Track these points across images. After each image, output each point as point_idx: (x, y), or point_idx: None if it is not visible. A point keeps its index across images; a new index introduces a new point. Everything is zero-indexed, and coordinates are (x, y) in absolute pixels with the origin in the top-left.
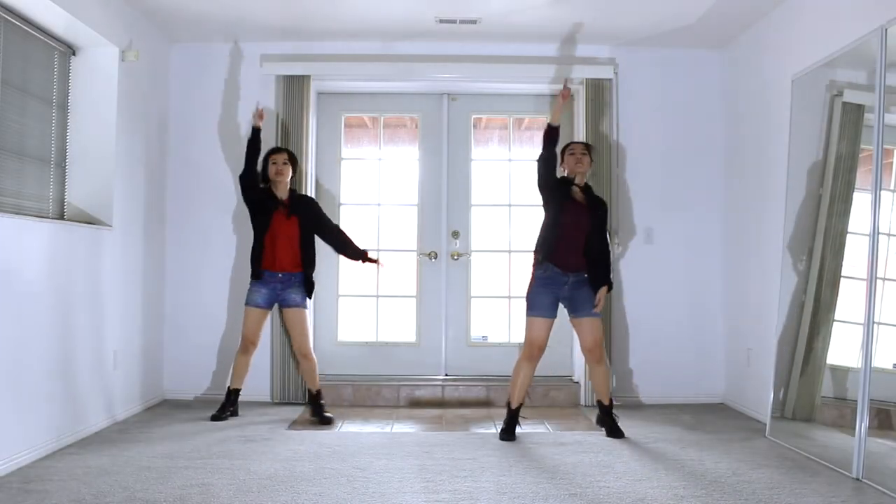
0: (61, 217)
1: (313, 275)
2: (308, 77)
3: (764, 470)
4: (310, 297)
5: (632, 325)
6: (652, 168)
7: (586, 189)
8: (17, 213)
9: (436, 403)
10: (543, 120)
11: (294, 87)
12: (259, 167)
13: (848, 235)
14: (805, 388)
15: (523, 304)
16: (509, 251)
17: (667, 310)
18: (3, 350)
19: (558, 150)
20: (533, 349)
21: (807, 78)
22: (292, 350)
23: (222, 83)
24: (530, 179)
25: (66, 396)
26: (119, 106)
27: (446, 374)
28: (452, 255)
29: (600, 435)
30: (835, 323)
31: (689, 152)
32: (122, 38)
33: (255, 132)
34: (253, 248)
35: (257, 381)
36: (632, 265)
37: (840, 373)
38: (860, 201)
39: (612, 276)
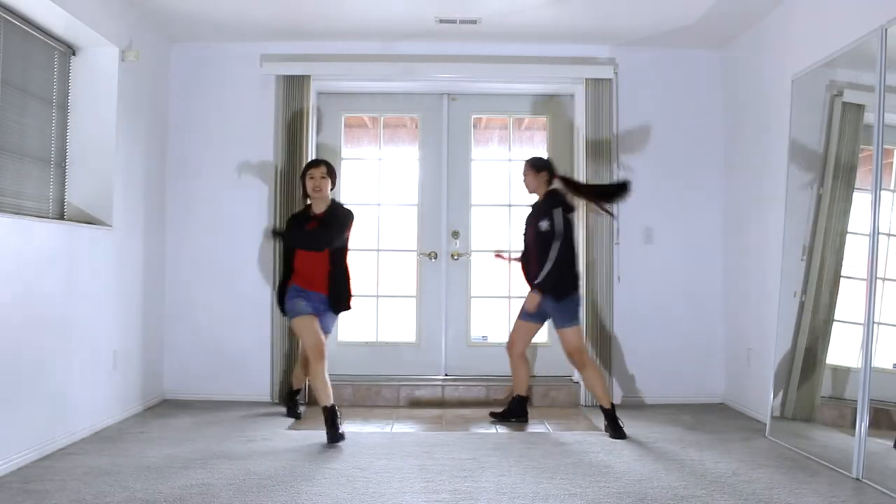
0: (61, 217)
1: (344, 293)
2: (308, 77)
3: (764, 470)
4: (336, 313)
5: (632, 325)
6: (652, 168)
7: (537, 203)
8: (17, 213)
9: (436, 403)
10: (544, 120)
11: (294, 87)
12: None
13: (848, 235)
14: (805, 388)
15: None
16: (509, 251)
17: (667, 310)
18: (2, 350)
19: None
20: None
21: (807, 78)
22: (299, 351)
23: (222, 83)
24: None
25: (65, 396)
26: (119, 106)
27: (446, 374)
28: (452, 255)
29: (600, 435)
30: (835, 323)
31: (689, 152)
32: (122, 38)
33: (276, 234)
34: (283, 272)
35: (257, 381)
36: (632, 265)
37: (840, 373)
38: (860, 201)
39: (549, 278)
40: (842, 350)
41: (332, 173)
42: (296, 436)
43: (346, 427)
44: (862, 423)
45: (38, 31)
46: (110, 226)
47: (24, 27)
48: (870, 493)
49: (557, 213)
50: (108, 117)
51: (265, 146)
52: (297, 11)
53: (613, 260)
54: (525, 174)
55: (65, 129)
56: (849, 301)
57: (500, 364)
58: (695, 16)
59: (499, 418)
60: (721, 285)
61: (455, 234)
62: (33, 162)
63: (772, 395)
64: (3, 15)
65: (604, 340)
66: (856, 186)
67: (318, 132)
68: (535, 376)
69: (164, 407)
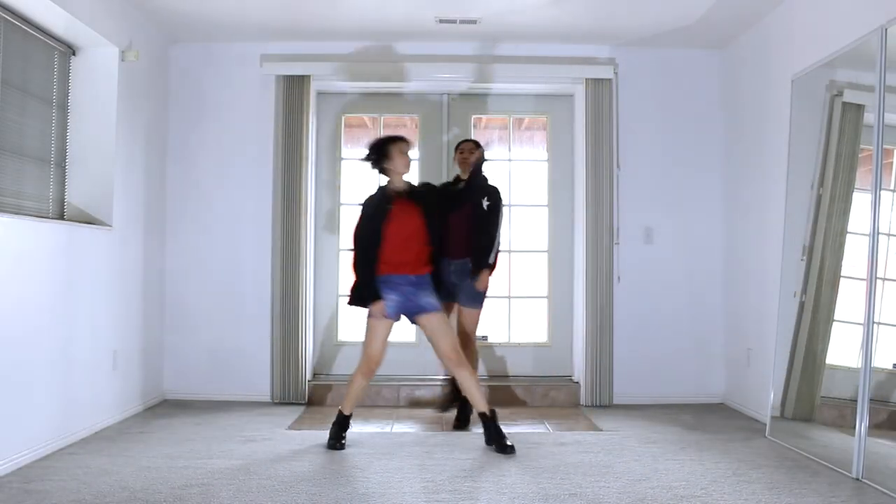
0: (61, 217)
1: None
2: (308, 77)
3: (764, 470)
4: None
5: (632, 325)
6: (652, 168)
7: (474, 181)
8: (17, 213)
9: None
10: (544, 120)
11: (294, 87)
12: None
13: (848, 235)
14: (805, 388)
15: (523, 304)
16: (509, 251)
17: (667, 310)
18: (2, 350)
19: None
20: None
21: (807, 78)
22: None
23: (222, 83)
24: (530, 179)
25: (66, 396)
26: (119, 106)
27: (446, 374)
28: None
29: (600, 435)
30: (835, 323)
31: (689, 152)
32: (122, 38)
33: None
34: (357, 258)
35: (257, 382)
36: (632, 265)
37: (840, 373)
38: (860, 201)
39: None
40: (842, 350)
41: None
42: (296, 436)
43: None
44: (862, 423)
45: (38, 31)
46: (110, 226)
47: (24, 27)
48: (870, 493)
49: (498, 192)
50: (108, 117)
51: (265, 146)
52: (297, 11)
53: (613, 260)
54: (473, 153)
55: (65, 129)
56: (849, 301)
57: (501, 364)
58: (695, 16)
59: (442, 408)
60: (721, 285)
61: None
62: (33, 162)
63: (772, 395)
64: (3, 15)
65: (604, 340)
66: (856, 186)
67: (318, 132)
68: (535, 376)
69: (164, 407)
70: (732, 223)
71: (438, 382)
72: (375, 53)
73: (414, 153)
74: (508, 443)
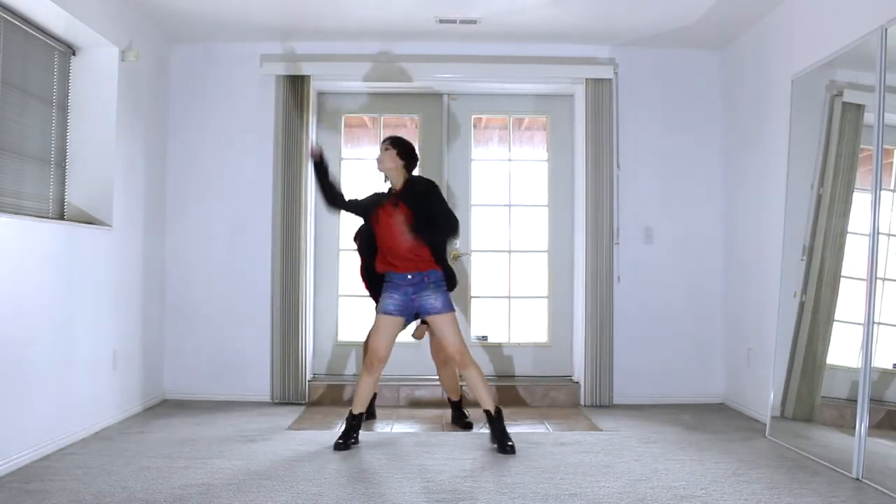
0: (61, 217)
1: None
2: (308, 77)
3: (764, 470)
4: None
5: (632, 325)
6: (652, 168)
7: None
8: (17, 213)
9: (436, 403)
10: (544, 120)
11: (294, 87)
12: (334, 190)
13: (848, 235)
14: (805, 388)
15: (523, 304)
16: (509, 251)
17: (667, 310)
18: (3, 350)
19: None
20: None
21: (807, 78)
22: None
23: (222, 83)
24: (530, 179)
25: (66, 396)
26: (119, 106)
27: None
28: (452, 255)
29: (600, 435)
30: (835, 323)
31: (688, 152)
32: (122, 38)
33: (316, 165)
34: (364, 259)
35: (257, 381)
36: (632, 265)
37: (840, 373)
38: (860, 201)
39: None
40: (842, 350)
41: (398, 146)
42: (296, 436)
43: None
44: (862, 423)
45: (38, 31)
46: (110, 226)
47: (24, 27)
48: (870, 493)
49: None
50: (108, 117)
51: (265, 146)
52: (297, 11)
53: (613, 260)
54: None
55: (65, 129)
56: (849, 301)
57: (501, 364)
58: (695, 16)
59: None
60: (721, 285)
61: None
62: (33, 162)
63: (772, 395)
64: (3, 15)
65: (604, 340)
66: (856, 186)
67: (318, 132)
68: (535, 376)
69: (164, 407)
70: (732, 223)
71: (438, 383)
72: (375, 53)
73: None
74: (510, 443)
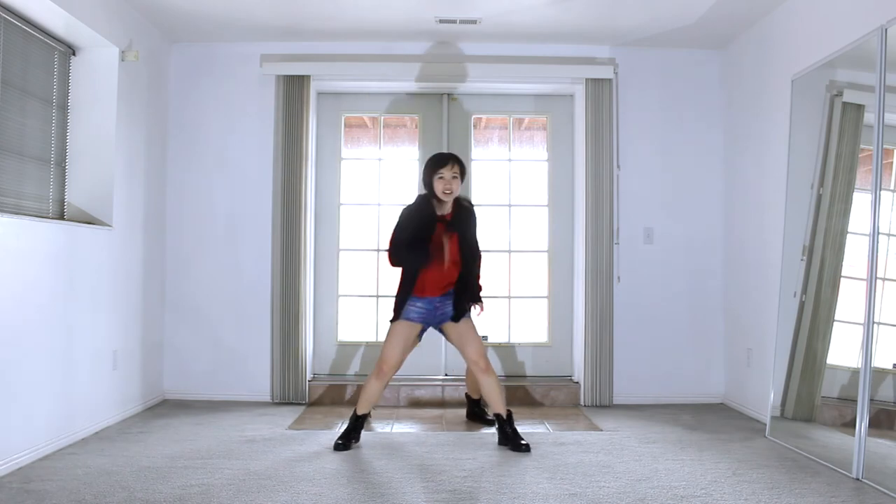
0: (61, 217)
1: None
2: (308, 77)
3: (764, 470)
4: (477, 302)
5: (632, 325)
6: (652, 168)
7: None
8: (17, 213)
9: (436, 403)
10: (544, 120)
11: (294, 87)
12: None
13: (848, 235)
14: (805, 388)
15: (523, 304)
16: (509, 251)
17: (667, 310)
18: (3, 350)
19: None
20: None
21: (807, 78)
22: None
23: (222, 83)
24: (530, 179)
25: (66, 396)
26: (119, 106)
27: (446, 374)
28: None
29: (600, 435)
30: (835, 323)
31: (689, 152)
32: (122, 38)
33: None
34: (402, 281)
35: (257, 381)
36: (632, 265)
37: (840, 373)
38: (860, 201)
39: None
40: (842, 350)
41: (462, 172)
42: (296, 436)
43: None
44: (862, 423)
45: (38, 31)
46: (110, 226)
47: (24, 27)
48: (870, 493)
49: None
50: (108, 117)
51: (265, 146)
52: (297, 11)
53: (613, 260)
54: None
55: (65, 129)
56: (849, 301)
57: (501, 364)
58: (695, 16)
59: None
60: (721, 285)
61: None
62: (33, 162)
63: (772, 395)
64: (3, 15)
65: (604, 340)
66: (856, 186)
67: (318, 132)
68: (535, 376)
69: (164, 407)
70: (732, 223)
71: (438, 383)
72: (375, 53)
73: (414, 153)
74: (523, 441)
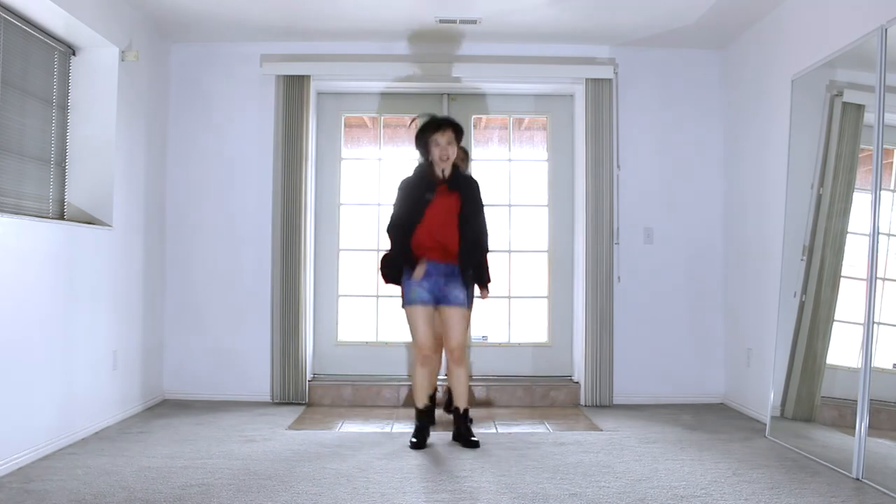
0: (61, 217)
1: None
2: (308, 77)
3: (764, 470)
4: (484, 288)
5: (632, 325)
6: (652, 168)
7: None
8: (17, 213)
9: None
10: (544, 120)
11: (294, 87)
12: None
13: (848, 235)
14: (805, 388)
15: (523, 304)
16: (509, 251)
17: (667, 310)
18: (3, 350)
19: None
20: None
21: (807, 78)
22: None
23: (222, 83)
24: (530, 179)
25: (66, 396)
26: (119, 106)
27: (446, 374)
28: None
29: (600, 435)
30: (835, 323)
31: (689, 152)
32: (122, 38)
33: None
34: (394, 242)
35: (257, 382)
36: (632, 265)
37: (840, 373)
38: (860, 201)
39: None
40: (842, 350)
41: (459, 136)
42: (296, 436)
43: (345, 427)
44: (862, 423)
45: (38, 31)
46: (110, 226)
47: (24, 27)
48: (870, 493)
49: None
50: (108, 117)
51: (265, 146)
52: (297, 11)
53: (613, 260)
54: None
55: (65, 129)
56: (849, 301)
57: (501, 364)
58: (695, 16)
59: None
60: (721, 285)
61: None
62: (33, 162)
63: (772, 395)
64: (3, 15)
65: (604, 340)
66: (856, 186)
67: (318, 132)
68: (535, 376)
69: (164, 407)
70: (732, 223)
71: (438, 383)
72: (375, 53)
73: (413, 153)
74: (474, 438)
